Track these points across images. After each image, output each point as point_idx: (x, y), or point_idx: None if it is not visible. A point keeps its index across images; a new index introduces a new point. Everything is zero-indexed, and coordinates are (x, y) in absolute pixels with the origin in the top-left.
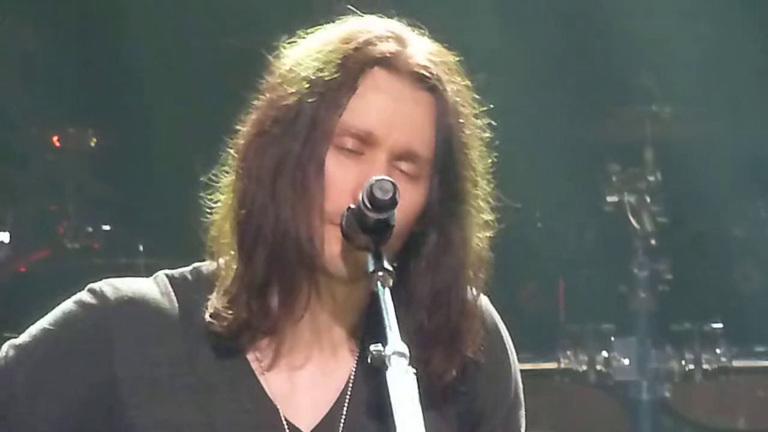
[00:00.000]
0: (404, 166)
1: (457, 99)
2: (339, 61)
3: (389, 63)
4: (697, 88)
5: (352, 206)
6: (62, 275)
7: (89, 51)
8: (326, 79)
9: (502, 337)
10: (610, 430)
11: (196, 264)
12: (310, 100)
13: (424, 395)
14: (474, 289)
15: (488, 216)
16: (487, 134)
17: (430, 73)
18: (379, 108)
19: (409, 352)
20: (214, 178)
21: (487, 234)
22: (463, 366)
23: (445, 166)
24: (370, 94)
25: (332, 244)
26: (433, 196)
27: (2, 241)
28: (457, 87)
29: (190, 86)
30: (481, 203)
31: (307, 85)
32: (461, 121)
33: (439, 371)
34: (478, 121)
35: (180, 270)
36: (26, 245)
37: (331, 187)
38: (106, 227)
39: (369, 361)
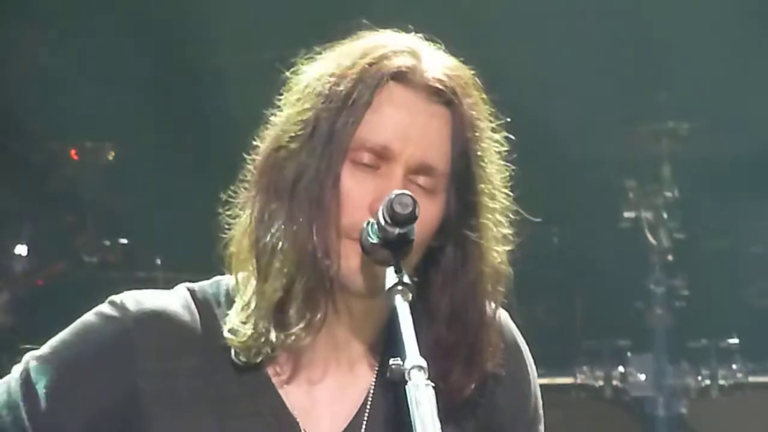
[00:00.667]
0: (421, 180)
1: (473, 112)
2: (355, 76)
3: (405, 77)
4: (714, 105)
5: (372, 220)
6: (79, 289)
7: (108, 64)
8: (342, 94)
9: (521, 352)
10: None
11: (217, 277)
12: (326, 115)
13: (442, 409)
14: (492, 302)
15: (506, 230)
16: (505, 148)
17: (446, 86)
18: (395, 122)
19: (428, 366)
20: (233, 194)
21: (505, 248)
22: (483, 380)
23: (461, 180)
24: (386, 109)
25: (349, 259)
26: (451, 209)
27: (20, 254)
28: (473, 100)
29: (208, 100)
30: (499, 217)
31: (324, 100)
32: (477, 134)
33: (457, 385)
34: (495, 135)
35: (201, 283)
36: (44, 258)
37: (347, 202)
38: (124, 241)
39: (388, 375)
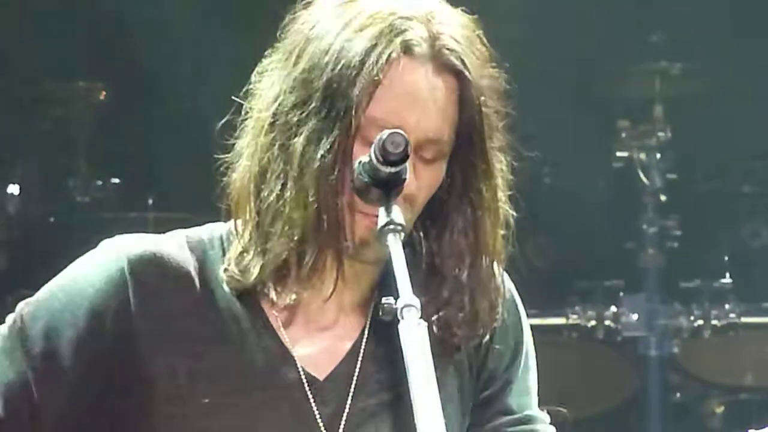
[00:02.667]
0: (425, 151)
1: (481, 74)
2: (365, 46)
3: (412, 50)
4: (707, 45)
5: (363, 159)
6: (72, 229)
7: (100, 4)
8: (352, 66)
9: (515, 302)
10: (618, 385)
11: (210, 225)
12: (335, 87)
13: (437, 350)
14: (495, 256)
15: (509, 176)
16: (507, 103)
17: (454, 55)
18: (406, 100)
19: (430, 317)
20: (229, 138)
21: (507, 193)
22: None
23: (467, 143)
24: (396, 85)
25: (361, 233)
26: (455, 168)
27: (12, 194)
28: (479, 60)
29: (202, 39)
30: (504, 167)
31: (332, 68)
32: (483, 95)
33: (460, 336)
34: (498, 88)
35: (194, 228)
36: (36, 198)
37: None
38: (116, 181)
39: (380, 314)
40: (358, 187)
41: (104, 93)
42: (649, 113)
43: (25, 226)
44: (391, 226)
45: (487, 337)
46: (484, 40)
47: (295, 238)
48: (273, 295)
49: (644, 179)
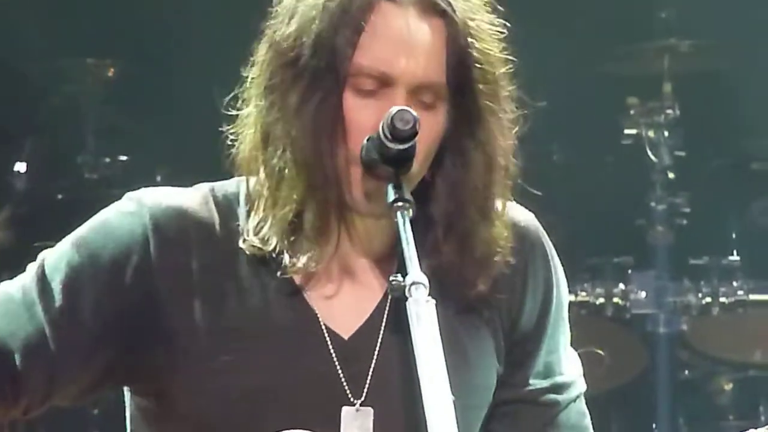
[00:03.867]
0: (422, 96)
1: (469, 17)
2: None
3: None
4: (716, 21)
5: (372, 136)
6: (80, 206)
7: None
8: (336, 14)
9: (547, 252)
10: (627, 362)
11: (238, 177)
12: (321, 39)
13: (458, 308)
14: (490, 201)
15: (512, 123)
16: (506, 48)
17: None
18: (392, 45)
19: (434, 266)
20: (235, 108)
21: (512, 141)
22: (505, 277)
23: (461, 88)
24: (381, 31)
25: (358, 184)
26: (451, 117)
27: (19, 171)
28: (468, 4)
29: (209, 14)
30: (505, 113)
31: (319, 20)
32: (473, 39)
33: (468, 279)
34: (495, 35)
35: (222, 182)
36: (44, 175)
37: (352, 129)
38: (124, 158)
39: (389, 291)
40: (367, 164)
41: (112, 70)
42: (658, 90)
43: (32, 203)
44: (400, 203)
45: (519, 295)
46: None
47: (298, 197)
48: (287, 260)
49: (653, 157)
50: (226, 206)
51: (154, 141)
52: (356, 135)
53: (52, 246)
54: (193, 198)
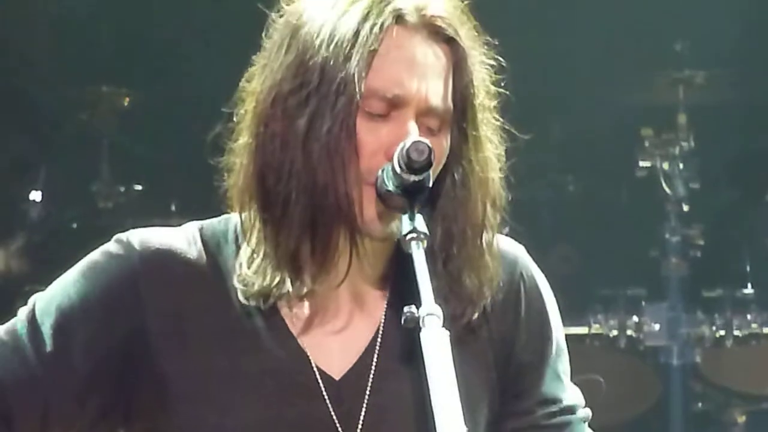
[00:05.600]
0: (429, 121)
1: (471, 44)
2: (357, 19)
3: (404, 18)
4: (730, 53)
5: (387, 167)
6: (94, 235)
7: (123, 10)
8: (346, 40)
9: (538, 286)
10: (640, 394)
11: (227, 215)
12: (332, 63)
13: (453, 342)
14: (483, 230)
15: (500, 152)
16: (498, 74)
17: (445, 23)
18: (403, 69)
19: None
20: (228, 140)
21: (500, 173)
22: (497, 310)
23: (464, 114)
24: (393, 55)
25: (370, 206)
26: (453, 143)
27: (34, 200)
28: (468, 29)
29: (226, 44)
30: (496, 143)
31: (327, 46)
32: (476, 66)
33: (457, 311)
34: (489, 61)
35: (210, 220)
36: (59, 204)
37: (363, 151)
38: (139, 187)
39: (402, 322)
40: (381, 195)
41: (128, 99)
42: (673, 122)
43: (47, 232)
44: (414, 235)
45: (512, 328)
46: (473, 20)
47: (304, 224)
48: (288, 287)
49: (667, 188)
50: (215, 245)
51: (169, 170)
52: (367, 156)
53: (42, 290)
54: (181, 238)
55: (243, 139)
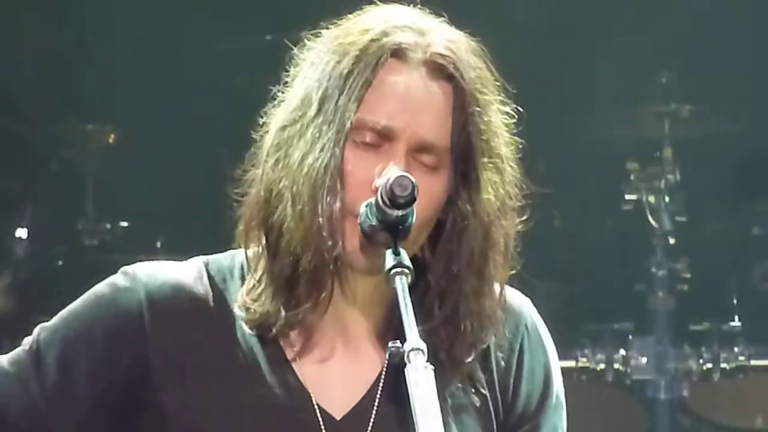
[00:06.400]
0: (423, 157)
1: (476, 86)
2: (356, 53)
3: (405, 54)
4: (716, 87)
5: (371, 201)
6: (80, 272)
7: (109, 47)
8: (344, 72)
9: (541, 339)
10: (628, 429)
11: (233, 250)
12: (328, 94)
13: (449, 384)
14: (495, 277)
15: (514, 203)
16: (512, 120)
17: (447, 61)
18: (396, 101)
19: (425, 337)
20: (241, 171)
21: (514, 222)
22: (499, 359)
23: (463, 155)
24: (387, 87)
25: (353, 238)
26: (452, 185)
27: (20, 237)
28: (476, 74)
29: (210, 82)
30: (507, 189)
31: (326, 78)
32: (479, 108)
33: (456, 356)
34: (501, 107)
35: (216, 255)
36: (44, 241)
37: (350, 181)
38: (124, 224)
39: (387, 357)
40: (365, 230)
41: (113, 136)
42: (659, 155)
43: (33, 269)
44: (399, 269)
45: (513, 378)
46: (485, 59)
47: (295, 250)
48: (283, 315)
49: (653, 222)
50: (221, 280)
51: (154, 207)
52: (353, 188)
53: (47, 320)
54: (187, 272)
55: (256, 169)
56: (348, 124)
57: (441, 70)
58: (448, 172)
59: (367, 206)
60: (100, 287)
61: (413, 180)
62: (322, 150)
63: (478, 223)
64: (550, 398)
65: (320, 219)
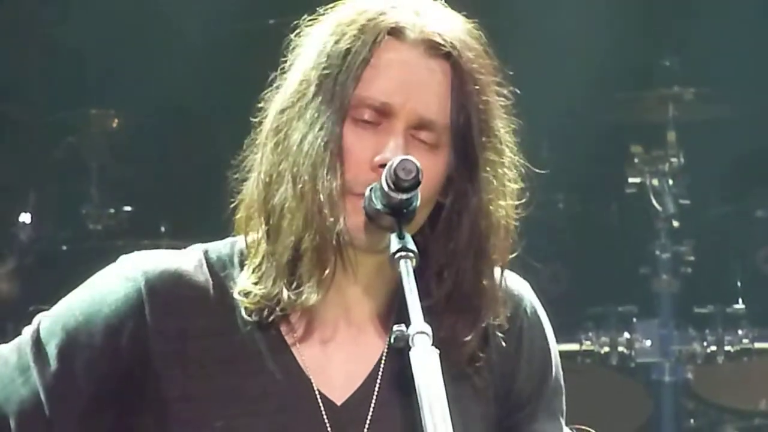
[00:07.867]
0: (422, 135)
1: (475, 65)
2: (353, 33)
3: (403, 32)
4: (720, 70)
5: (375, 185)
6: (84, 257)
7: (112, 31)
8: (341, 51)
9: (541, 320)
10: (632, 411)
11: (232, 238)
12: (326, 73)
13: (453, 368)
14: (495, 258)
15: (514, 184)
16: (510, 102)
17: (445, 40)
18: (394, 78)
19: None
20: (241, 157)
21: (512, 202)
22: (499, 343)
23: (462, 134)
24: (384, 65)
25: (353, 215)
26: (452, 163)
27: (25, 222)
28: (474, 53)
29: (214, 67)
30: (507, 171)
31: (324, 59)
32: (478, 87)
33: (456, 337)
34: (500, 89)
35: (215, 243)
36: (48, 227)
37: (349, 159)
38: (128, 208)
39: (392, 341)
40: (370, 214)
41: (116, 120)
42: (662, 139)
43: (37, 255)
44: (403, 253)
45: (513, 361)
46: (482, 41)
47: (297, 230)
48: (285, 298)
49: (657, 205)
50: (220, 268)
51: (159, 192)
52: (353, 165)
53: (51, 305)
54: (188, 261)
55: (253, 155)
56: (346, 102)
57: (439, 48)
58: (448, 150)
59: (371, 190)
60: (101, 276)
61: (418, 164)
62: (321, 129)
63: (477, 201)
64: (549, 382)
65: (321, 196)
